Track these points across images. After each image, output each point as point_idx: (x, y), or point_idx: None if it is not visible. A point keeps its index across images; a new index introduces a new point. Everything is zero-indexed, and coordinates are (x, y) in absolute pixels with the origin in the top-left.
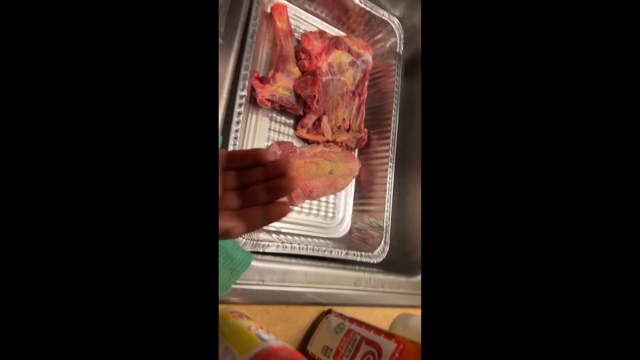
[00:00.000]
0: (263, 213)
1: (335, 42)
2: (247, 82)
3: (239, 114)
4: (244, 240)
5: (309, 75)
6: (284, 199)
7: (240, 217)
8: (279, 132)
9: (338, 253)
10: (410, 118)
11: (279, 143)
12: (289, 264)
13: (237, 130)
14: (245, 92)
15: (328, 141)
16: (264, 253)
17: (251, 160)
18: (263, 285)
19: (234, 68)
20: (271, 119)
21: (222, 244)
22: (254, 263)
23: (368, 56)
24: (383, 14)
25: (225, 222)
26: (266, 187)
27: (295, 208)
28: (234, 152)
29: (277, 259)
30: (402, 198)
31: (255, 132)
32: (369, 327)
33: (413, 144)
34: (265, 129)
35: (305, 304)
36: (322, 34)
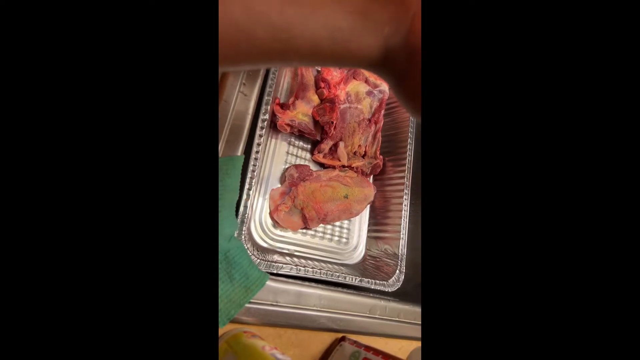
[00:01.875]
0: None
1: (353, 73)
2: (268, 107)
3: (260, 136)
4: (258, 260)
5: (328, 102)
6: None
7: None
8: (297, 156)
9: (352, 279)
10: None
11: (296, 166)
12: (303, 286)
13: (257, 152)
14: (267, 116)
15: (344, 166)
16: (277, 275)
17: None
18: (277, 306)
19: (258, 95)
20: (289, 143)
21: (239, 261)
22: (268, 283)
23: (384, 87)
24: None
25: None
26: None
27: (309, 231)
28: None
29: (291, 280)
30: (418, 227)
31: (273, 155)
32: (386, 356)
33: None
34: (284, 152)
35: (318, 329)
36: None
